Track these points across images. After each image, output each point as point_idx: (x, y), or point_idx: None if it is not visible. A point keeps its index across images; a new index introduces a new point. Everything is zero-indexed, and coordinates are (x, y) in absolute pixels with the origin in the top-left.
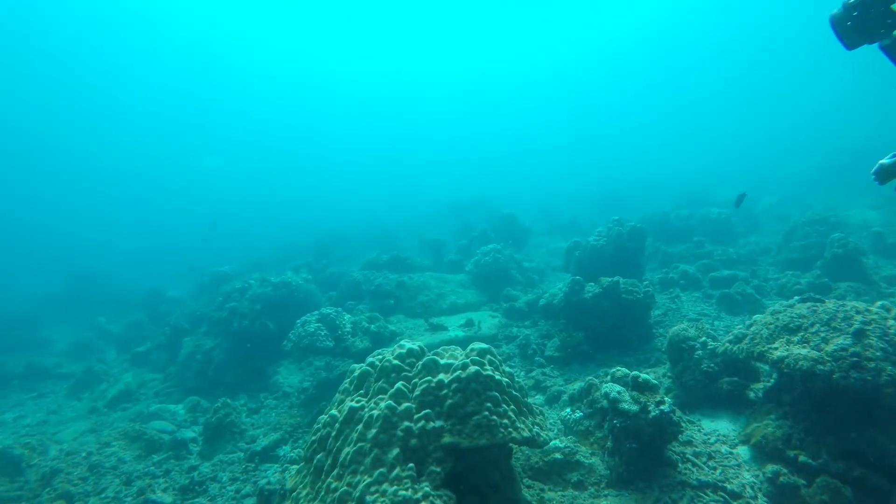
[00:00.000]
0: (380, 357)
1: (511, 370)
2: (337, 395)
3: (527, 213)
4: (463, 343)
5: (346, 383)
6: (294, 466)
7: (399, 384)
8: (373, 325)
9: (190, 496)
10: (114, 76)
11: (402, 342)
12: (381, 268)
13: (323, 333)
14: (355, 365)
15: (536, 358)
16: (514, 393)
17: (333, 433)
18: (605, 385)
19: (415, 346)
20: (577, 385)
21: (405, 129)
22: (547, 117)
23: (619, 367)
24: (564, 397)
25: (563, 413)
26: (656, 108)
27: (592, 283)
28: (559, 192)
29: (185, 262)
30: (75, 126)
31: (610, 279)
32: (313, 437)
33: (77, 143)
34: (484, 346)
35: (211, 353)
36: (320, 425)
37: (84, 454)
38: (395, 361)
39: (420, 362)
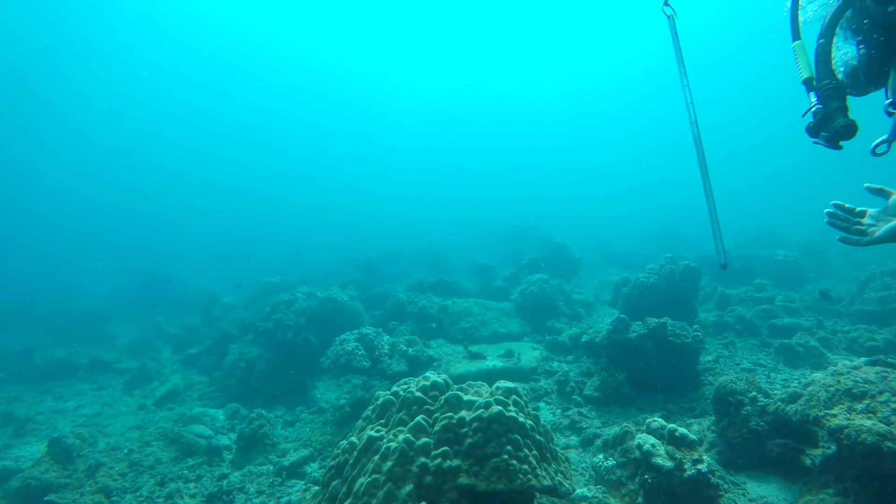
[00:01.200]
0: (404, 387)
1: (539, 412)
2: (359, 421)
3: (579, 243)
4: (501, 374)
5: (369, 410)
6: (315, 488)
7: (419, 418)
8: (411, 349)
9: None
10: (180, 79)
11: (427, 374)
12: (427, 290)
13: (360, 353)
14: (380, 392)
15: (574, 396)
16: (537, 437)
17: (351, 461)
18: (639, 435)
19: (439, 379)
20: (614, 430)
21: (463, 148)
22: (606, 146)
23: (655, 417)
24: (598, 442)
25: (595, 459)
26: (724, 142)
27: (638, 323)
28: (615, 222)
29: (243, 269)
30: (147, 134)
31: (657, 320)
32: (332, 463)
33: (151, 152)
34: (510, 385)
35: (254, 362)
36: (339, 451)
37: (126, 451)
38: (418, 393)
39: (443, 396)
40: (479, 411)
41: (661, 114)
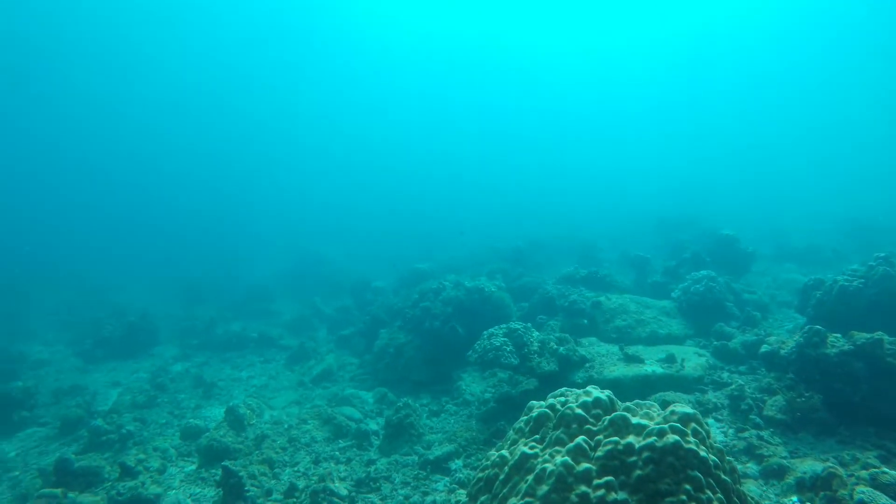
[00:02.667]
0: (561, 400)
1: (718, 442)
2: (510, 432)
3: (748, 234)
4: (661, 381)
5: (521, 422)
6: (461, 492)
7: (580, 439)
8: (562, 348)
9: (364, 490)
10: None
11: (588, 388)
12: (578, 283)
13: (508, 350)
14: (534, 403)
15: (752, 416)
16: (723, 477)
17: (502, 477)
18: (859, 489)
19: (603, 396)
20: (809, 465)
21: (615, 133)
22: (782, 122)
23: (884, 469)
24: (790, 479)
25: (786, 501)
26: None
27: (839, 336)
28: (790, 209)
29: (394, 254)
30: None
31: (868, 336)
32: (480, 475)
33: (316, 144)
34: (688, 410)
35: (402, 348)
36: (489, 463)
37: (286, 426)
38: (579, 410)
39: (607, 417)
40: (650, 439)
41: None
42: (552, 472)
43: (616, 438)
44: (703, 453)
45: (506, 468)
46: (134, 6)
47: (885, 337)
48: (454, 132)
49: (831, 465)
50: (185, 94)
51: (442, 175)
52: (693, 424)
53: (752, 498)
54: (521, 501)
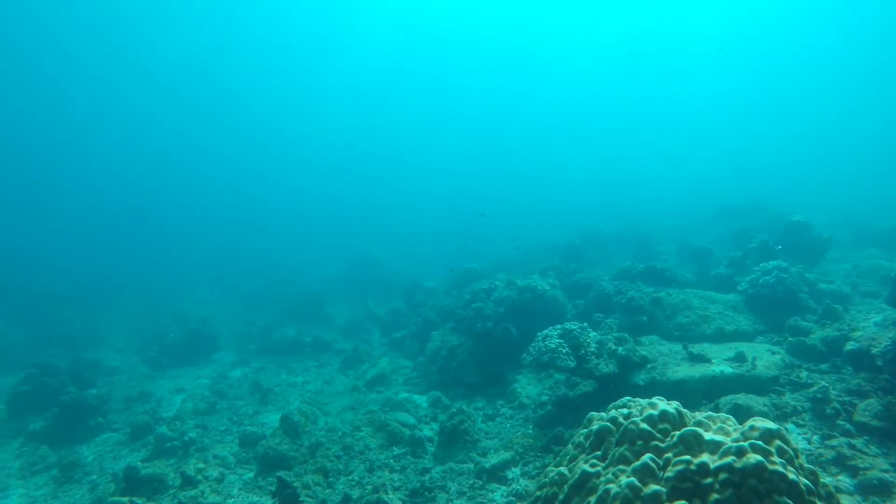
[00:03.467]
0: (624, 412)
1: (802, 450)
2: (569, 446)
3: (821, 219)
4: (731, 382)
5: (580, 436)
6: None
7: (647, 457)
8: (620, 348)
9: (419, 501)
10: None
11: (654, 400)
12: (635, 278)
13: (564, 351)
14: (594, 414)
15: (840, 422)
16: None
17: (561, 497)
18: None
19: (670, 409)
20: None
21: (672, 120)
22: (853, 98)
23: None
24: None
25: None
26: None
27: None
28: (870, 192)
29: (447, 254)
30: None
31: None
32: (538, 493)
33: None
34: (772, 426)
35: (455, 350)
36: (547, 480)
37: (340, 433)
38: (644, 425)
39: (677, 433)
40: (728, 459)
41: None
42: (617, 494)
43: (688, 457)
44: (792, 476)
45: (565, 487)
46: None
47: None
48: (513, 127)
49: None
50: (235, 100)
51: (496, 172)
52: (777, 442)
53: None
54: None
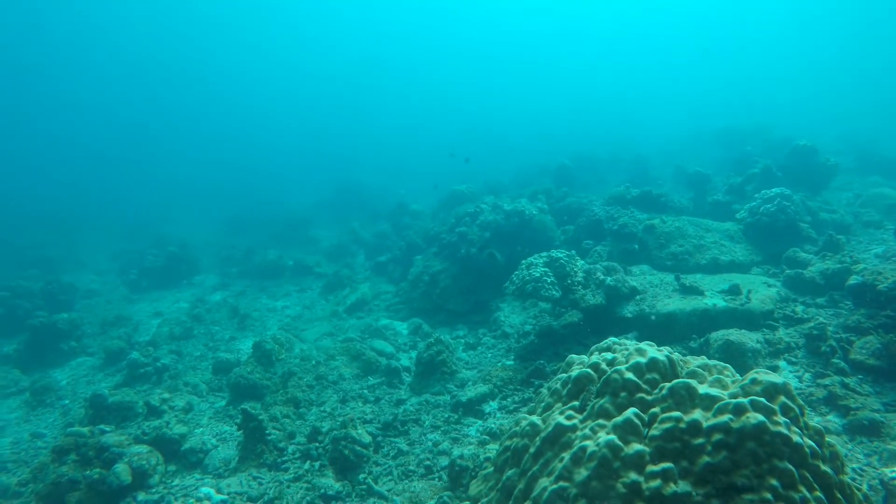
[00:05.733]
0: (608, 357)
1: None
2: (544, 392)
3: (824, 144)
4: (724, 316)
5: (558, 382)
6: (492, 446)
7: (630, 412)
8: (609, 278)
9: (391, 434)
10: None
11: (643, 346)
12: (628, 204)
13: (549, 281)
14: (573, 357)
15: (834, 360)
16: (822, 469)
17: (532, 450)
18: None
19: (661, 356)
20: None
21: (664, 38)
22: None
23: None
24: (893, 446)
25: (889, 472)
26: None
27: None
28: (877, 116)
29: (432, 178)
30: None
31: None
32: (507, 443)
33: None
34: (777, 379)
35: (437, 276)
36: (518, 430)
37: (314, 362)
38: (630, 374)
39: (667, 384)
40: (724, 417)
41: None
42: (594, 453)
43: (678, 413)
44: (796, 438)
45: (537, 440)
46: None
47: None
48: (505, 44)
49: None
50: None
51: (490, 89)
52: (782, 398)
53: (861, 491)
54: (555, 486)
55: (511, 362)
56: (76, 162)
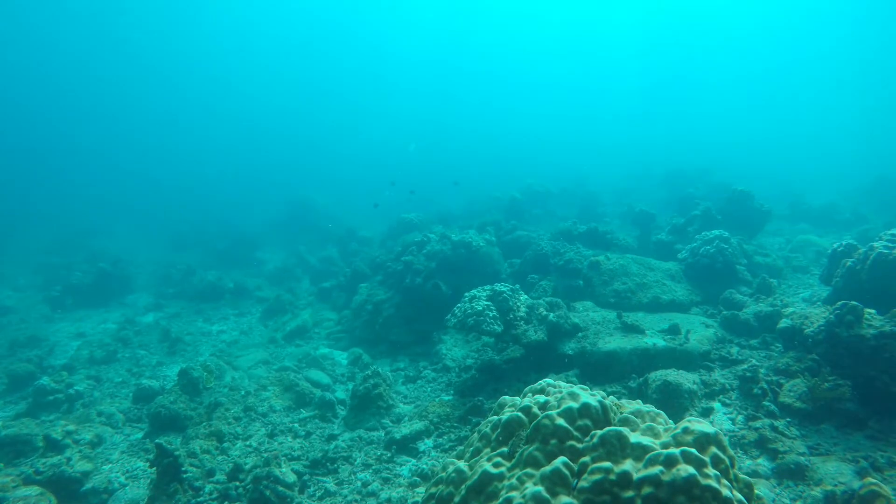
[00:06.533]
0: (541, 401)
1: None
2: (474, 436)
3: (761, 191)
4: (663, 356)
5: (488, 425)
6: (420, 490)
7: (559, 462)
8: (552, 314)
9: (319, 472)
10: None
11: (576, 390)
12: (575, 240)
13: (492, 315)
14: (506, 399)
15: (765, 403)
16: None
17: (457, 499)
18: None
19: (593, 402)
20: (834, 466)
21: (619, 85)
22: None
23: None
24: (817, 492)
25: None
26: None
27: (878, 315)
28: (805, 168)
29: (391, 203)
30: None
31: None
32: (432, 490)
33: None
34: (709, 429)
35: (381, 305)
36: (444, 475)
37: (244, 392)
38: (561, 420)
39: (598, 432)
40: (655, 469)
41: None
42: None
43: (608, 464)
44: (725, 492)
45: (462, 489)
46: None
47: None
48: (464, 78)
49: (873, 483)
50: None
51: (453, 124)
52: (713, 449)
53: None
54: None
55: (450, 398)
56: (8, 166)
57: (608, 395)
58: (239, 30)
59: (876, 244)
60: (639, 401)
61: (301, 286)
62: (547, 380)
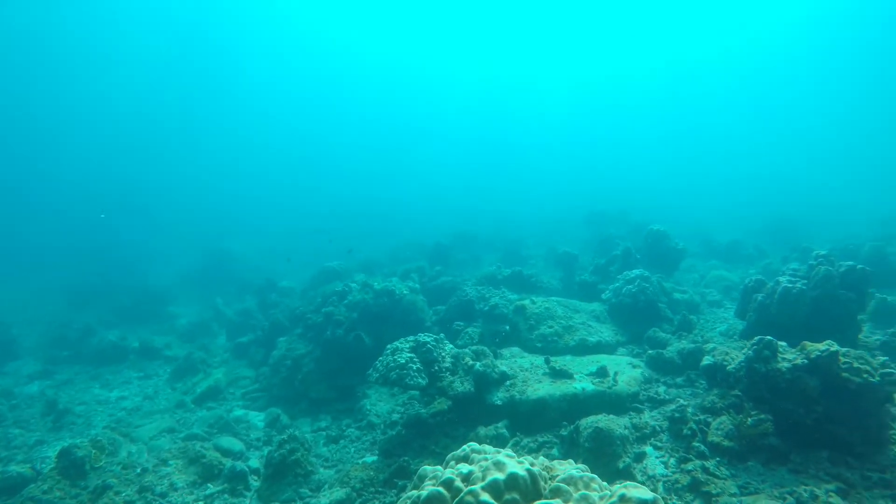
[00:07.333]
0: (464, 472)
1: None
2: None
3: (675, 230)
4: (593, 401)
5: (408, 500)
6: None
7: None
8: (478, 364)
9: None
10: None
11: (502, 458)
12: (500, 284)
13: (415, 367)
14: (426, 470)
15: (695, 443)
16: None
17: None
18: None
19: (521, 471)
20: None
21: (544, 132)
22: (700, 123)
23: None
24: None
25: None
26: (838, 103)
27: (790, 349)
28: (714, 210)
29: (309, 254)
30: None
31: (823, 349)
32: None
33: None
34: (646, 495)
35: (301, 360)
36: None
37: (139, 470)
38: (485, 497)
39: None
40: None
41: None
42: None
43: None
44: None
45: None
46: None
47: (839, 348)
48: (393, 126)
49: None
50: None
51: (380, 169)
52: None
53: None
54: None
55: (374, 458)
56: None
57: (538, 455)
58: (141, 80)
59: (781, 279)
60: (570, 461)
61: (217, 342)
62: (472, 444)
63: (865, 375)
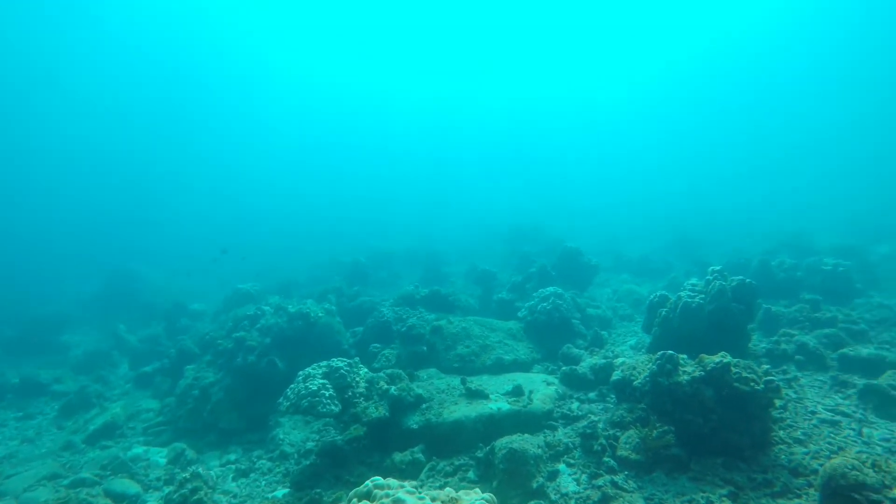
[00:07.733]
0: (384, 499)
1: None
2: None
3: (588, 245)
4: (508, 420)
5: None
6: None
7: None
8: (393, 388)
9: None
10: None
11: (401, 495)
12: (417, 304)
13: (328, 394)
14: (352, 494)
15: (605, 458)
16: None
17: None
18: None
19: (442, 497)
20: None
21: (461, 144)
22: (608, 145)
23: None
24: None
25: None
26: (736, 131)
27: (690, 361)
28: (625, 225)
29: (222, 276)
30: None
31: (717, 360)
32: None
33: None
34: None
35: (209, 389)
36: None
37: None
38: None
39: None
40: None
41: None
42: None
43: None
44: None
45: None
46: None
47: (733, 360)
48: (313, 143)
49: None
50: None
51: (302, 188)
52: None
53: None
54: None
55: (285, 491)
56: None
57: (454, 477)
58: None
59: (682, 294)
60: (477, 490)
61: (118, 372)
62: (376, 479)
63: (752, 384)
